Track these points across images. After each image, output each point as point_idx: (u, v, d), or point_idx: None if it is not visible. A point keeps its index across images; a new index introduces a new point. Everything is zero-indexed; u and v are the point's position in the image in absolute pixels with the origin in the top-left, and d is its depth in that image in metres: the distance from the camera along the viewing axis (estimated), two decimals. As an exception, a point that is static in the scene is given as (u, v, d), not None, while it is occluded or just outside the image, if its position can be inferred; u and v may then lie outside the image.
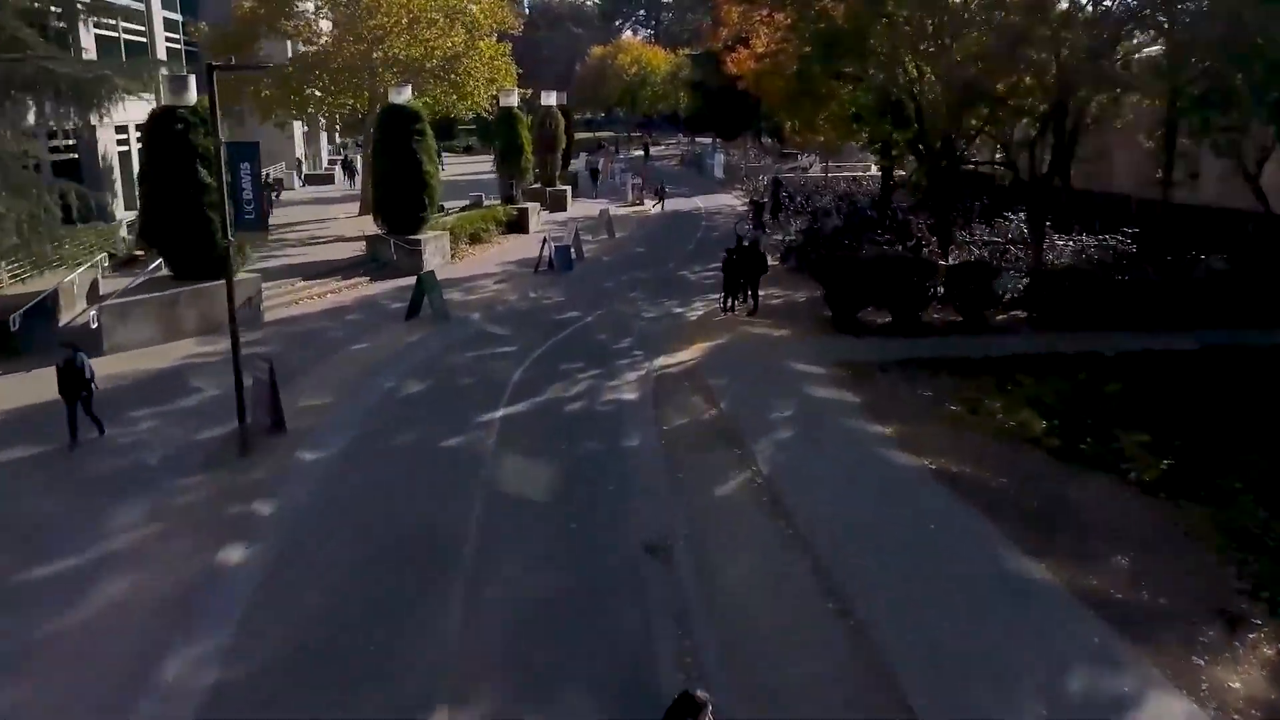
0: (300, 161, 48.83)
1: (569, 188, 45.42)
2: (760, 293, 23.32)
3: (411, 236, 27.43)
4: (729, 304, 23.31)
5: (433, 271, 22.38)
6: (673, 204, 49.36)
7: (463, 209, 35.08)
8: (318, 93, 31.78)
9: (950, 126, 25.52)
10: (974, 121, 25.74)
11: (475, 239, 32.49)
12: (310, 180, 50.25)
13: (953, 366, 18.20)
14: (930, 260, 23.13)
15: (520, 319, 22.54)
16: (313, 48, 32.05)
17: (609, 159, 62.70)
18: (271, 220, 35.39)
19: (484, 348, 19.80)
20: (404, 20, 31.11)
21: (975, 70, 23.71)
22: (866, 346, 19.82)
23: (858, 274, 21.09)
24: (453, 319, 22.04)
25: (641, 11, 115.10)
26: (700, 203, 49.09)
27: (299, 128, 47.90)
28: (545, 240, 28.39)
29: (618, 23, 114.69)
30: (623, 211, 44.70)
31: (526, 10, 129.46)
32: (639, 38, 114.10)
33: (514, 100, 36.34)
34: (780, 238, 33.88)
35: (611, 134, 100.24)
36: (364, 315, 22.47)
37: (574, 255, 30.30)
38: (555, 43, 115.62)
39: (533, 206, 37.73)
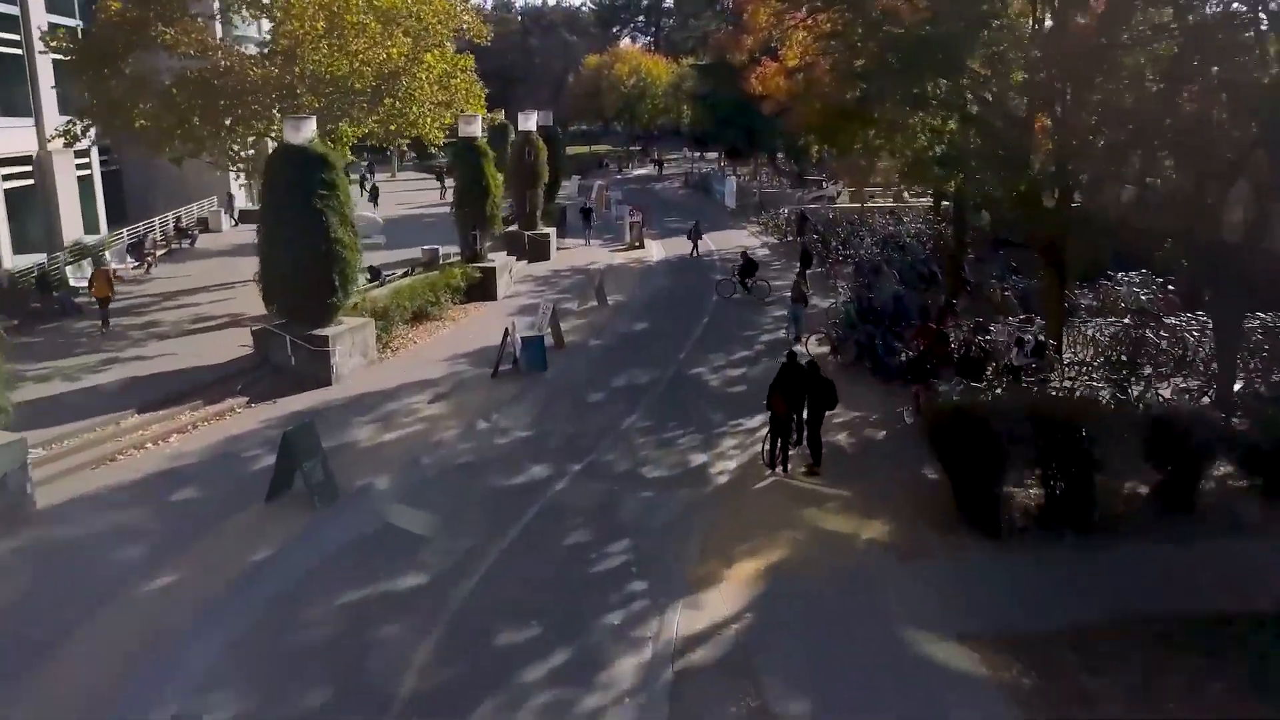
0: (232, 196, 40.65)
1: (553, 230, 37.28)
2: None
3: (317, 332, 19.36)
4: (777, 455, 15.26)
5: (309, 424, 14.12)
6: (675, 244, 41.25)
7: (406, 271, 26.92)
8: (198, 121, 23.68)
9: (1106, 168, 17.50)
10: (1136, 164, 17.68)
11: (421, 316, 24.42)
12: (248, 218, 42.04)
13: (1201, 633, 10.15)
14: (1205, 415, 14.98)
15: (451, 494, 14.37)
16: (205, 63, 23.98)
17: (605, 188, 54.65)
18: (153, 287, 27.54)
19: (377, 578, 11.67)
20: (319, 24, 23.04)
21: (1152, 93, 15.74)
22: (1022, 569, 11.76)
23: (1012, 442, 12.87)
24: (343, 498, 13.92)
25: (641, 18, 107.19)
26: (710, 242, 40.99)
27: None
28: (508, 333, 20.28)
29: (615, 29, 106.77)
30: (619, 258, 36.60)
31: (518, 16, 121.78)
32: (638, 45, 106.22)
33: (476, 129, 28.29)
34: (832, 303, 25.89)
35: (609, 147, 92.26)
36: (205, 489, 14.23)
37: (551, 341, 22.29)
38: (548, 50, 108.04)
39: (503, 262, 29.66)
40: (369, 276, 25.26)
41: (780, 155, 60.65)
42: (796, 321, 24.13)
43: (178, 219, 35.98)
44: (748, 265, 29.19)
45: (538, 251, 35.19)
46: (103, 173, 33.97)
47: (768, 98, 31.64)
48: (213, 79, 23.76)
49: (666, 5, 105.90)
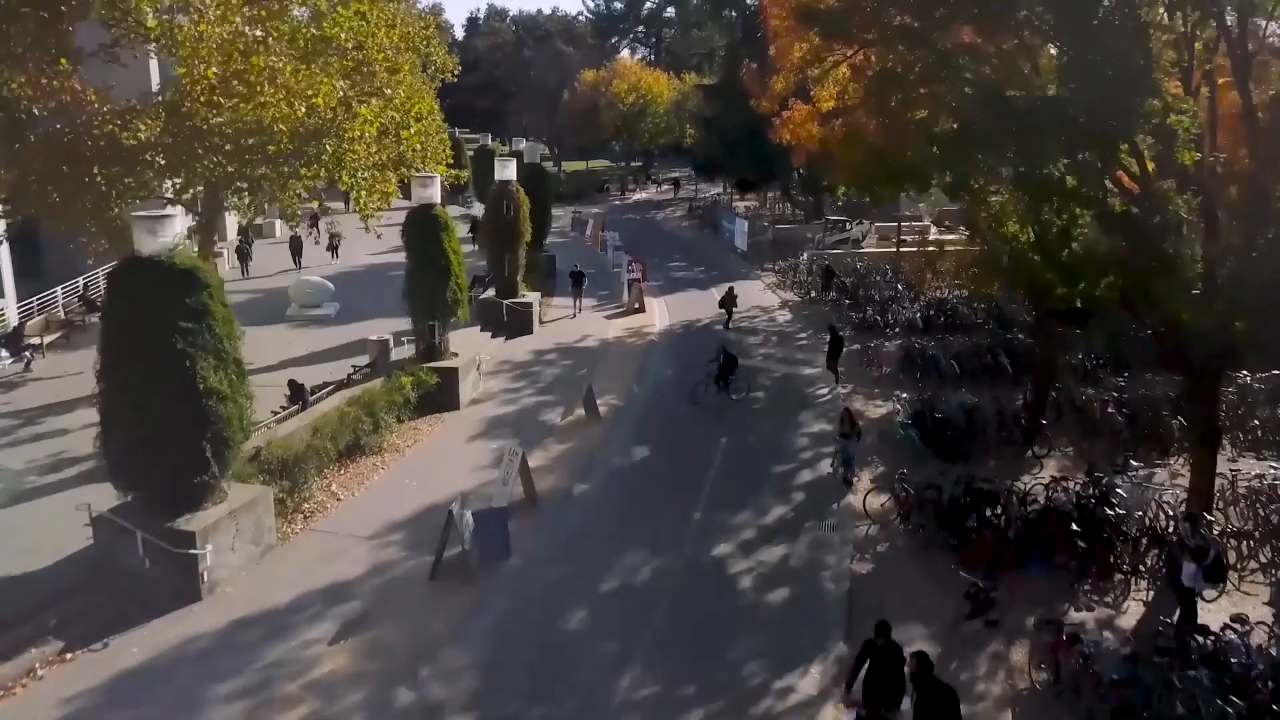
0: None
1: (536, 297, 31.46)
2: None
3: (181, 525, 13.58)
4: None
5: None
6: (681, 301, 35.47)
7: (340, 384, 21.07)
8: (56, 196, 17.95)
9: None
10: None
11: (354, 450, 18.66)
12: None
13: None
14: None
15: None
16: (71, 118, 18.20)
17: (601, 223, 48.90)
18: (24, 395, 20.82)
19: None
20: (210, 72, 17.26)
21: None
22: None
23: None
24: None
25: (640, 28, 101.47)
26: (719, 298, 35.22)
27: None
28: (452, 514, 14.42)
29: (613, 40, 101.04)
30: (615, 329, 30.77)
31: (511, 26, 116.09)
32: (637, 57, 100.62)
33: (434, 193, 22.46)
34: (899, 413, 20.11)
35: (608, 162, 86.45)
36: None
37: (519, 494, 16.55)
38: (543, 62, 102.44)
39: (468, 357, 23.86)
40: (287, 394, 19.48)
41: (795, 188, 54.78)
42: (848, 463, 18.32)
43: (86, 287, 30.09)
44: (728, 362, 23.36)
45: (518, 324, 29.42)
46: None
47: (796, 147, 25.84)
48: (85, 137, 18.02)
49: (668, 15, 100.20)
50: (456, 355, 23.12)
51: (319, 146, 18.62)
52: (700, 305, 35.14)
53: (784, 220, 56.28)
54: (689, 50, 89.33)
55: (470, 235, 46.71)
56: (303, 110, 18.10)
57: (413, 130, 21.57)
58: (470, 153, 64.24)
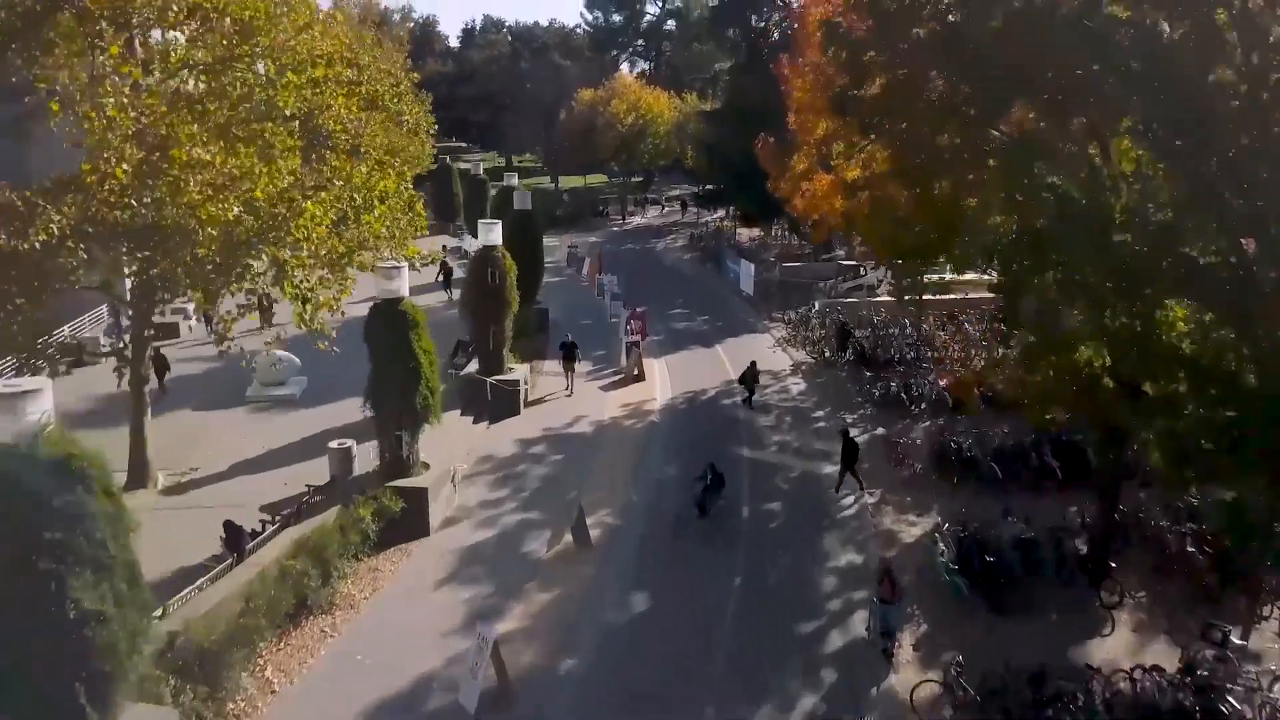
0: (119, 309, 31.76)
1: (524, 371, 28.42)
2: None
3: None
4: None
5: None
6: (684, 362, 32.45)
7: (300, 507, 18.09)
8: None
9: None
10: None
11: (299, 611, 15.67)
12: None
13: None
14: None
15: None
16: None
17: (597, 261, 45.88)
18: None
19: None
20: (119, 169, 14.26)
21: None
22: None
23: None
24: None
25: (640, 41, 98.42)
26: (727, 362, 32.25)
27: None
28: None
29: (612, 53, 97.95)
30: (611, 408, 27.69)
31: (507, 36, 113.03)
32: (636, 71, 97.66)
33: (402, 285, 19.39)
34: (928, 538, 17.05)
35: (605, 178, 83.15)
36: None
37: (491, 682, 13.59)
38: (539, 75, 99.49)
39: (451, 436, 20.87)
40: (223, 537, 16.50)
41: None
42: (889, 633, 15.32)
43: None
44: (716, 481, 20.33)
45: (503, 405, 26.42)
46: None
47: (817, 222, 22.86)
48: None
49: (668, 27, 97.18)
50: (428, 467, 20.11)
51: (256, 253, 15.61)
52: (705, 368, 32.17)
53: (791, 255, 53.26)
54: (689, 68, 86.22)
55: (443, 282, 43.51)
56: (235, 211, 15.11)
57: (375, 214, 18.53)
58: (469, 163, 61.66)
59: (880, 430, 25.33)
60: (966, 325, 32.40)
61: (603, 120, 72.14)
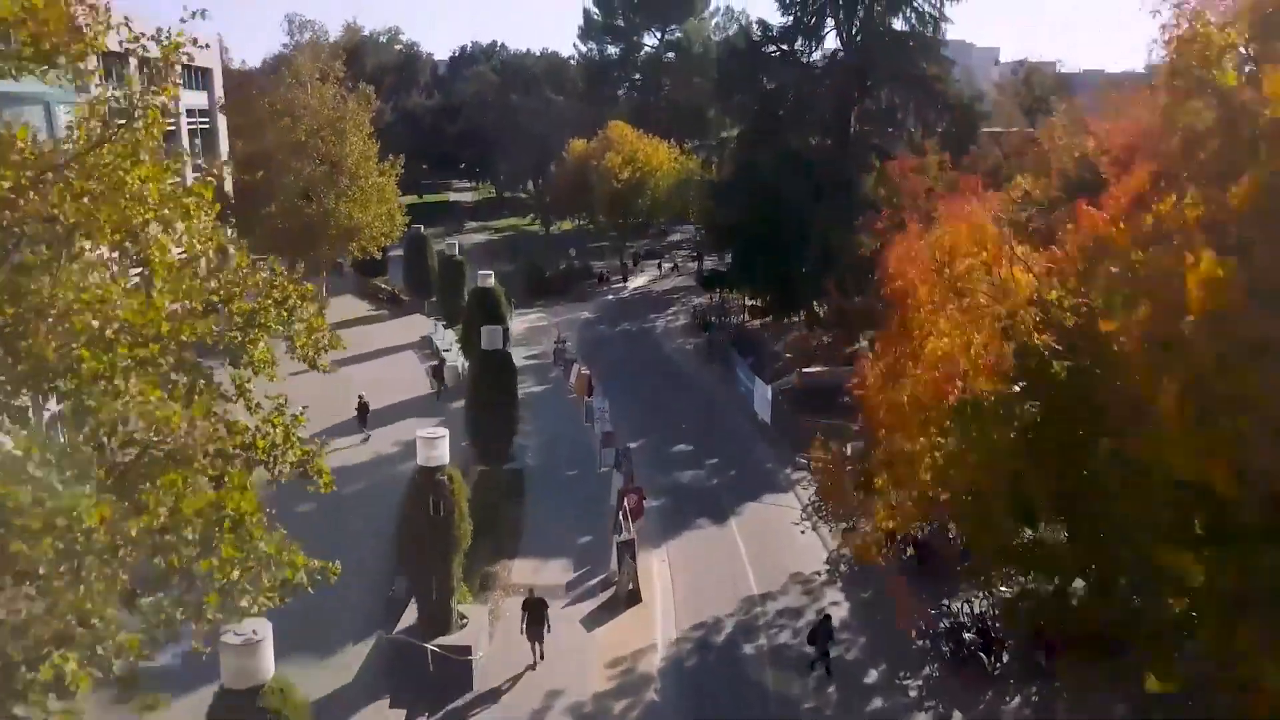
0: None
1: (481, 622, 21.33)
2: None
3: None
4: None
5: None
6: (691, 558, 25.22)
7: None
8: None
9: None
10: None
11: None
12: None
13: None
14: None
15: None
16: None
17: (584, 384, 39.02)
18: None
19: None
20: None
21: None
22: None
23: None
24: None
25: (637, 76, 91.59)
26: (747, 559, 25.43)
27: None
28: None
29: (606, 89, 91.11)
30: (595, 668, 20.61)
31: (495, 64, 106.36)
32: (631, 108, 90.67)
33: (265, 666, 12.52)
34: None
35: (596, 223, 75.06)
36: None
37: None
38: (530, 108, 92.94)
39: None
40: None
41: (830, 314, 44.78)
42: None
43: None
44: None
45: (448, 683, 19.53)
46: None
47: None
48: None
49: (668, 59, 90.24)
50: None
51: None
52: (719, 569, 25.36)
53: (807, 347, 46.20)
54: (698, 144, 78.87)
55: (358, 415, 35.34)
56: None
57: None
58: (447, 245, 55.09)
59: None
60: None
61: (596, 175, 65.45)
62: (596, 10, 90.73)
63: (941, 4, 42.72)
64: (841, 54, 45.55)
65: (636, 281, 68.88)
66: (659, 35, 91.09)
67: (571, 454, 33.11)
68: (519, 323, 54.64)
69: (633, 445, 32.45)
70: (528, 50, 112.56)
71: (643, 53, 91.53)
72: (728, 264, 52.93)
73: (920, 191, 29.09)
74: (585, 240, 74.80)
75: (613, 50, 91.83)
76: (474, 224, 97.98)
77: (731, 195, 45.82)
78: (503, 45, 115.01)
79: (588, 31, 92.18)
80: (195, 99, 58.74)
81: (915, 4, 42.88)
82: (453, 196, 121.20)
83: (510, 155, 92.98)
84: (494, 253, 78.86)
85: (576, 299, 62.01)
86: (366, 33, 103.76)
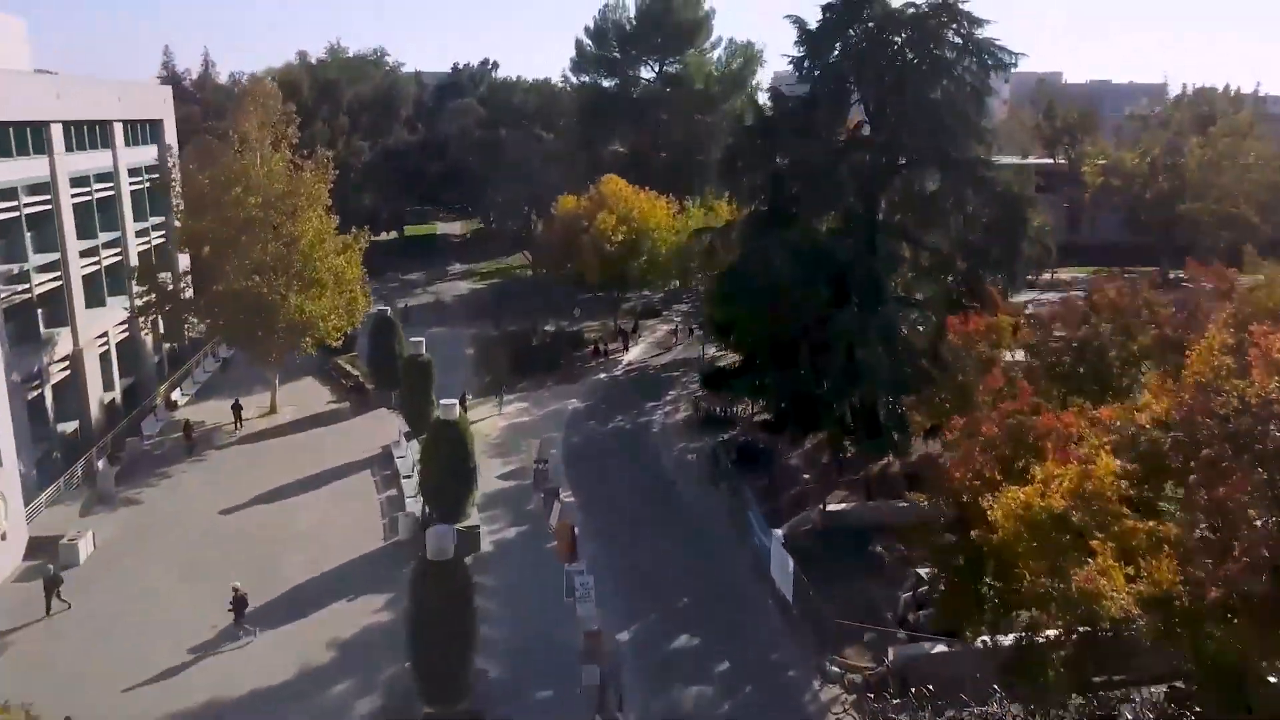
0: None
1: None
2: None
3: None
4: None
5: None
6: None
7: None
8: None
9: None
10: None
11: None
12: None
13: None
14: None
15: None
16: None
17: (568, 531, 32.39)
18: None
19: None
20: None
21: None
22: None
23: None
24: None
25: (634, 111, 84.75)
26: None
27: None
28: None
29: (597, 129, 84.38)
30: None
31: (482, 95, 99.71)
32: (626, 151, 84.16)
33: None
34: None
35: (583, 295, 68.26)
36: None
37: None
38: (518, 142, 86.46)
39: None
40: None
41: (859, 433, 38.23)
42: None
43: None
44: None
45: None
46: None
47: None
48: None
49: (667, 93, 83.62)
50: None
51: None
52: None
53: (827, 469, 39.77)
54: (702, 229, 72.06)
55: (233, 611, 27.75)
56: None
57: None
58: (416, 343, 48.64)
59: None
60: None
61: (588, 237, 58.92)
62: (589, 41, 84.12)
63: (988, 73, 36.06)
64: (867, 126, 38.96)
65: (636, 350, 62.27)
66: (656, 68, 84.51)
67: (546, 662, 26.59)
68: (499, 420, 48.23)
69: (623, 637, 26.48)
70: (518, 78, 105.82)
71: (639, 87, 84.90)
72: (732, 353, 46.58)
73: (992, 364, 22.53)
74: (579, 290, 67.44)
75: (607, 84, 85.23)
76: (459, 267, 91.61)
77: (736, 288, 39.19)
78: (494, 64, 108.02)
79: (580, 63, 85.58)
80: (140, 155, 52.55)
81: (956, 72, 36.22)
82: (440, 228, 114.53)
83: (500, 191, 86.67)
84: (478, 308, 72.42)
85: (565, 379, 55.44)
86: (350, 54, 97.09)
